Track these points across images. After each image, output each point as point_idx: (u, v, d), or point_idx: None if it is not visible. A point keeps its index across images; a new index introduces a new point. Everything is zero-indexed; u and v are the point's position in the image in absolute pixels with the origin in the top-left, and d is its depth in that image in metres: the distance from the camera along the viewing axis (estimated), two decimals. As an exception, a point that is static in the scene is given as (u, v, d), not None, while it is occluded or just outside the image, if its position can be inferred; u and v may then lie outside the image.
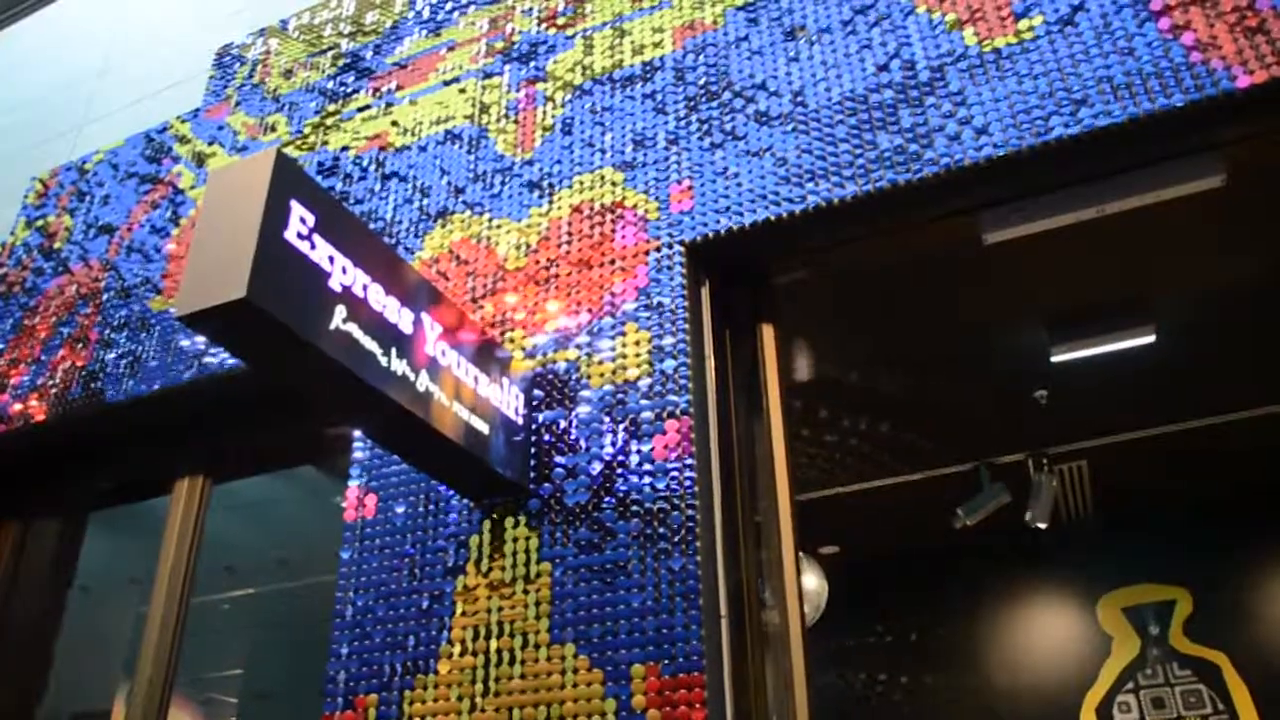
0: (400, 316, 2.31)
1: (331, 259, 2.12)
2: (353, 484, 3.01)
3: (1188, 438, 5.91)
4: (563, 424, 2.78)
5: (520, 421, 2.76)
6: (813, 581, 6.26)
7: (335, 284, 2.12)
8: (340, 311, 2.11)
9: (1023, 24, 2.84)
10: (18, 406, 3.91)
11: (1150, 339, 4.50)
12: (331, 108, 4.03)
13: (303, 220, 2.06)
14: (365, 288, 2.21)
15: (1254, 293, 4.38)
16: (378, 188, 3.62)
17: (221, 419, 3.68)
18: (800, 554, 2.70)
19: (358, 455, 3.06)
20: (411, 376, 2.30)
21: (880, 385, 5.10)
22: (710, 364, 2.82)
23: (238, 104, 4.39)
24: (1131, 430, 5.95)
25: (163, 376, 3.62)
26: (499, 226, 3.25)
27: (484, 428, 2.56)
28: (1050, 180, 2.78)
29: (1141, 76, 2.60)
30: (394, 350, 2.26)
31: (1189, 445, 6.00)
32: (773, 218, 2.83)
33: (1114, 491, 6.89)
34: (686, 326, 2.75)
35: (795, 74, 3.06)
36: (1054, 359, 4.60)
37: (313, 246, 2.07)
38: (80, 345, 3.94)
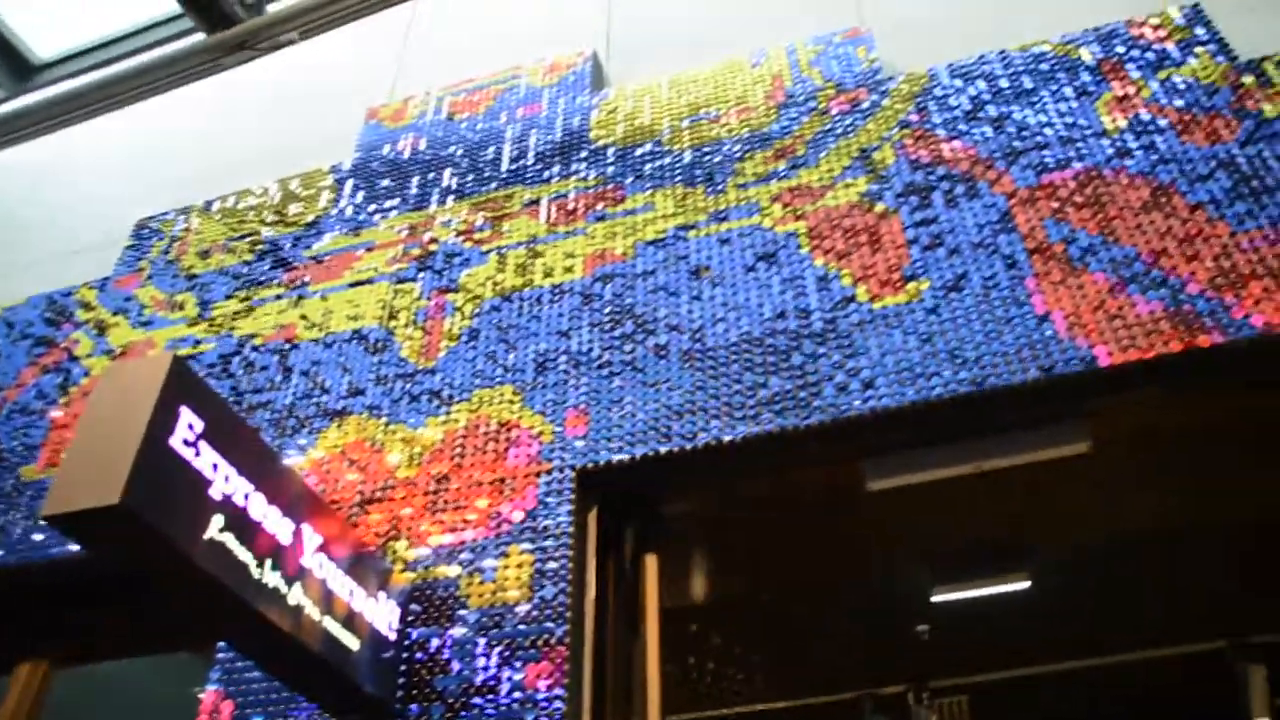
0: (280, 526, 2.28)
1: (215, 466, 2.10)
2: (211, 688, 2.88)
3: (1066, 679, 5.98)
4: (436, 643, 2.72)
5: (393, 637, 2.69)
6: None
7: (216, 493, 2.09)
8: (218, 521, 2.08)
9: (911, 286, 3.03)
10: None
11: (1025, 585, 4.62)
12: (243, 293, 4.05)
13: (190, 426, 2.05)
14: (246, 496, 2.18)
15: (1123, 546, 4.56)
16: (279, 379, 3.61)
17: (77, 600, 3.51)
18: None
19: (220, 655, 2.94)
20: (284, 589, 2.25)
21: (763, 613, 5.10)
22: (591, 593, 2.81)
23: (150, 277, 4.39)
24: (1011, 668, 6.01)
25: (24, 551, 3.46)
26: (394, 432, 3.25)
27: (354, 643, 2.49)
28: (931, 434, 2.91)
29: (1015, 346, 2.78)
30: (269, 562, 2.21)
31: (1068, 686, 6.07)
32: (664, 451, 2.89)
33: (993, 729, 6.87)
34: (570, 554, 2.76)
35: (697, 311, 3.19)
36: (934, 599, 4.67)
37: (197, 454, 2.06)
38: (-59, 510, 3.75)
